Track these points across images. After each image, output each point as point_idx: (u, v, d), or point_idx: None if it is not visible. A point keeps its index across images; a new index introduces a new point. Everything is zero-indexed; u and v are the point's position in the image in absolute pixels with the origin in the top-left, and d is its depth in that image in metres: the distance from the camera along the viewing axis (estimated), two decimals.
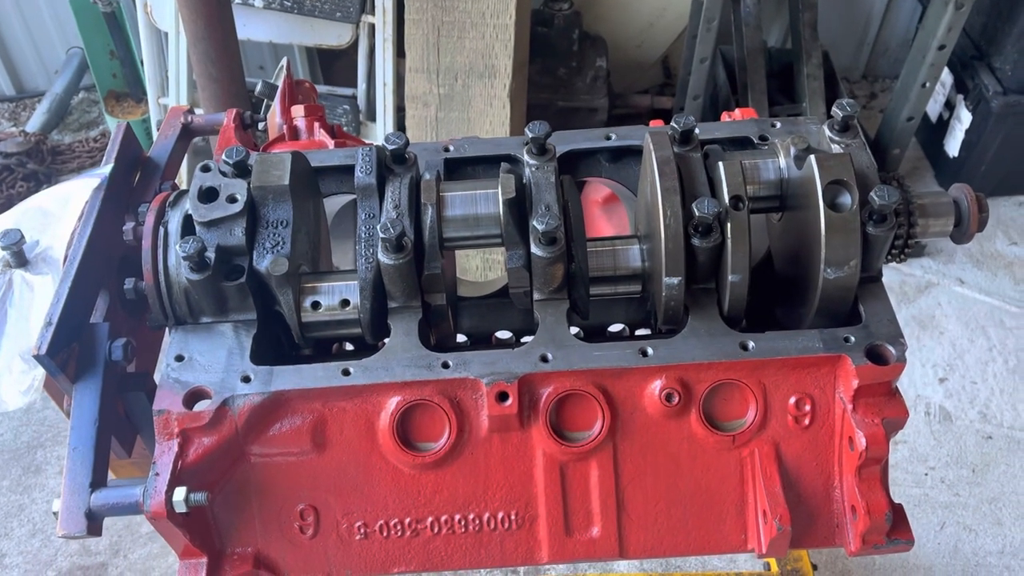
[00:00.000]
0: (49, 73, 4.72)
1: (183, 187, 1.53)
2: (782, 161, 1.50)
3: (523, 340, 1.69)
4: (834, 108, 1.48)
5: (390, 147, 1.48)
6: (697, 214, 1.33)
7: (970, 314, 3.83)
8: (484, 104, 3.46)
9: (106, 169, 1.55)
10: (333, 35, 3.77)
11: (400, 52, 3.65)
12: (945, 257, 4.08)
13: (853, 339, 1.36)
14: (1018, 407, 3.51)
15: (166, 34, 3.86)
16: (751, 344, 1.37)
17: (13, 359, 1.43)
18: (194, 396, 1.36)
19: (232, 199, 1.43)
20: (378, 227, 1.36)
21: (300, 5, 3.66)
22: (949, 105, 4.22)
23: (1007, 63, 3.90)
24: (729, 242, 1.35)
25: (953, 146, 4.21)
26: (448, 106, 3.50)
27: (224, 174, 1.48)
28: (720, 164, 1.39)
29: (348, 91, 4.04)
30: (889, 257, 1.47)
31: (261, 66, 4.52)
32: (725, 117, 1.94)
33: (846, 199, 1.34)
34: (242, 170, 1.48)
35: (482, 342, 1.76)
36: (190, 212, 1.42)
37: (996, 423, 3.47)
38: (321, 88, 4.17)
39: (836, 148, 1.48)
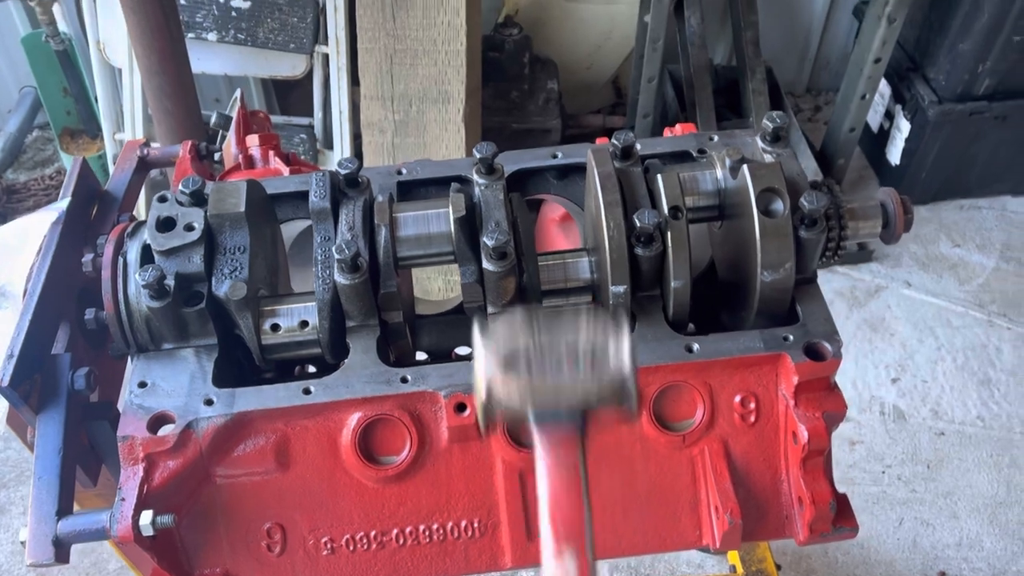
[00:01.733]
0: (2, 112, 4.70)
1: (141, 219, 1.56)
2: (719, 172, 1.58)
3: None
4: (764, 120, 1.56)
5: (343, 172, 1.53)
6: (638, 225, 1.40)
7: (919, 315, 3.96)
8: (439, 129, 3.53)
9: (63, 203, 1.58)
10: (287, 66, 3.82)
11: (355, 80, 3.71)
12: (892, 261, 4.21)
13: (791, 338, 1.43)
14: (967, 403, 3.63)
15: (120, 70, 3.88)
16: (695, 346, 1.43)
17: None
18: (158, 421, 1.38)
19: (189, 227, 1.47)
20: (333, 248, 1.40)
21: (254, 37, 3.71)
22: (889, 115, 4.38)
23: (940, 73, 4.06)
24: (670, 250, 1.42)
25: (895, 154, 4.36)
26: (404, 132, 3.56)
27: (181, 204, 1.52)
28: (659, 176, 1.46)
29: (304, 120, 4.08)
30: (823, 259, 1.55)
31: (217, 98, 4.55)
32: (667, 133, 2.03)
33: (778, 205, 1.42)
34: (198, 199, 1.51)
35: (442, 359, 1.80)
36: (148, 242, 1.46)
37: (948, 419, 3.58)
38: (277, 118, 4.22)
39: (768, 158, 1.57)
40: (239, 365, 1.55)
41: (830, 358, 1.41)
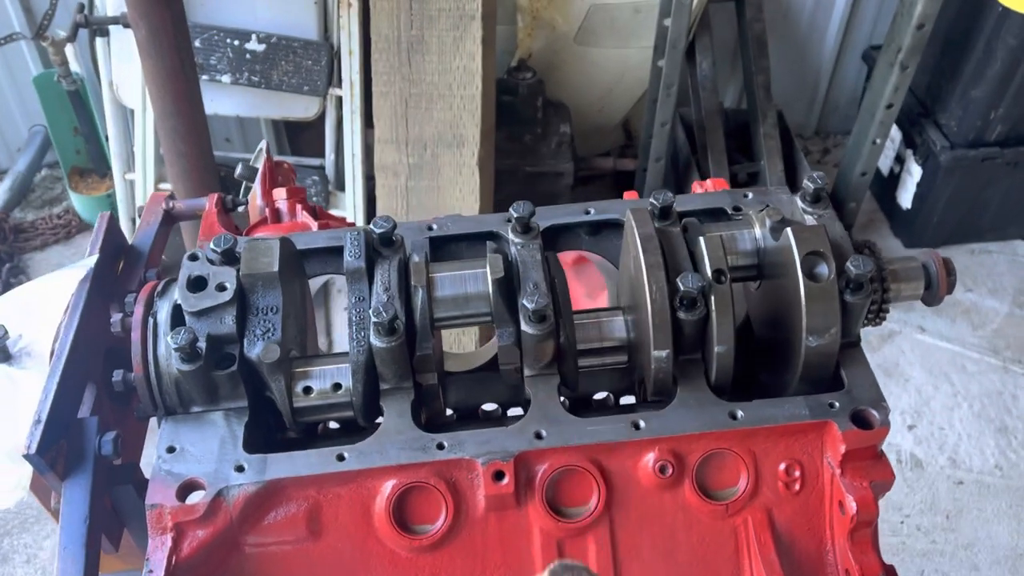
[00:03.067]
0: (11, 151, 4.69)
1: (171, 276, 1.53)
2: (758, 232, 1.55)
3: (509, 412, 1.72)
4: (805, 181, 1.54)
5: (377, 230, 1.51)
6: (682, 288, 1.37)
7: (933, 361, 3.93)
8: (454, 172, 3.52)
9: (90, 260, 1.55)
10: (300, 108, 3.82)
11: (368, 123, 3.71)
12: (905, 305, 4.19)
13: (838, 405, 1.40)
14: (985, 452, 3.59)
15: (132, 111, 3.87)
16: (740, 413, 1.40)
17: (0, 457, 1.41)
18: (187, 488, 1.34)
19: (221, 287, 1.44)
20: (370, 311, 1.37)
21: (267, 80, 3.71)
22: (900, 159, 4.39)
23: (952, 119, 4.08)
24: (714, 314, 1.39)
25: (906, 199, 4.36)
26: (418, 175, 3.55)
27: (212, 262, 1.49)
28: (701, 239, 1.43)
29: (316, 161, 4.08)
30: (865, 321, 1.53)
31: (228, 138, 4.55)
32: (696, 187, 2.01)
33: (823, 269, 1.39)
34: (230, 258, 1.49)
35: (469, 415, 1.77)
36: (179, 302, 1.43)
37: (966, 468, 3.53)
38: (289, 159, 4.21)
39: (809, 219, 1.55)
40: (266, 425, 1.51)
41: (878, 426, 1.38)
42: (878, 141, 4.02)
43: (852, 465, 1.38)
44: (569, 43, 4.05)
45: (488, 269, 1.44)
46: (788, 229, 1.41)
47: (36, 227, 4.39)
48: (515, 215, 1.51)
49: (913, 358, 3.95)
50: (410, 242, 1.61)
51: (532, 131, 3.97)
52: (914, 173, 4.25)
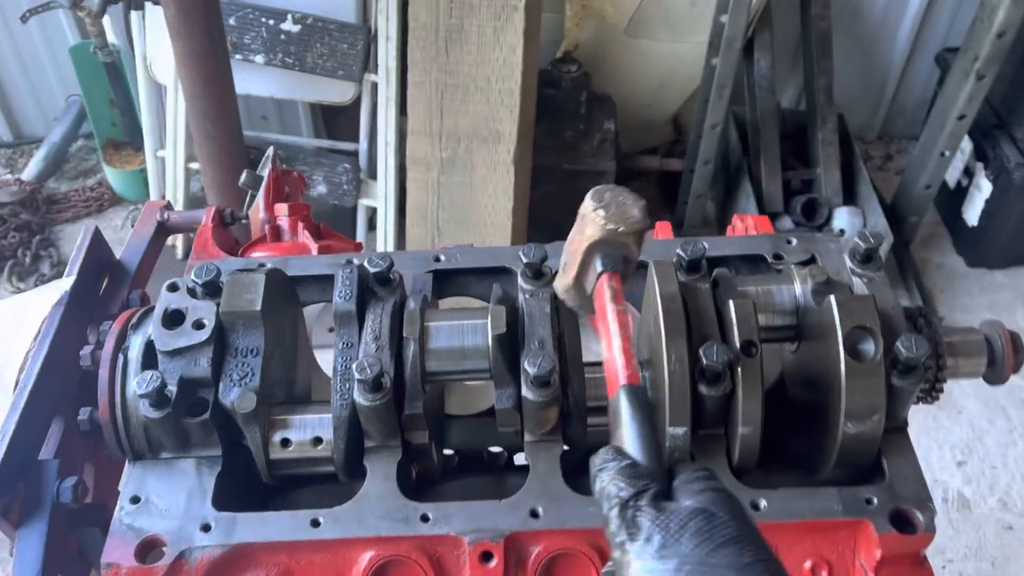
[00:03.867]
0: (48, 120, 4.66)
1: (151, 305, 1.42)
2: (798, 288, 1.38)
3: (515, 458, 1.58)
4: (856, 239, 1.36)
5: (373, 269, 1.37)
6: (705, 361, 1.21)
7: (989, 392, 3.68)
8: (487, 169, 3.36)
9: (68, 281, 1.44)
10: (335, 92, 3.69)
11: (403, 111, 3.57)
12: None
13: (876, 501, 1.23)
14: None
15: (165, 87, 3.79)
16: (763, 503, 1.24)
17: None
18: (147, 546, 1.24)
19: (199, 325, 1.32)
20: (354, 366, 1.24)
21: (301, 62, 3.58)
22: (968, 172, 4.10)
23: None
24: (740, 392, 1.23)
25: (972, 215, 4.09)
26: (451, 170, 3.40)
27: (193, 294, 1.37)
28: (731, 303, 1.26)
29: (350, 146, 3.95)
30: (914, 401, 1.35)
31: (264, 116, 4.45)
32: (736, 222, 1.83)
33: (869, 347, 1.22)
34: (213, 290, 1.37)
35: (472, 458, 1.64)
36: (153, 338, 1.31)
37: (1017, 512, 3.31)
38: (323, 142, 4.10)
39: (857, 282, 1.37)
40: (245, 468, 1.40)
41: (921, 531, 1.21)
42: (947, 153, 3.75)
43: (889, 571, 1.21)
44: (619, 35, 3.84)
45: (489, 323, 1.29)
46: (832, 297, 1.24)
47: (69, 199, 4.35)
48: (525, 260, 1.36)
49: (968, 388, 3.70)
50: (412, 276, 1.48)
51: (574, 127, 3.78)
52: (983, 188, 3.97)
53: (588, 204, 1.08)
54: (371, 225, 3.97)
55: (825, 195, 3.90)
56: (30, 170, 4.42)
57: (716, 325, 1.29)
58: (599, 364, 1.43)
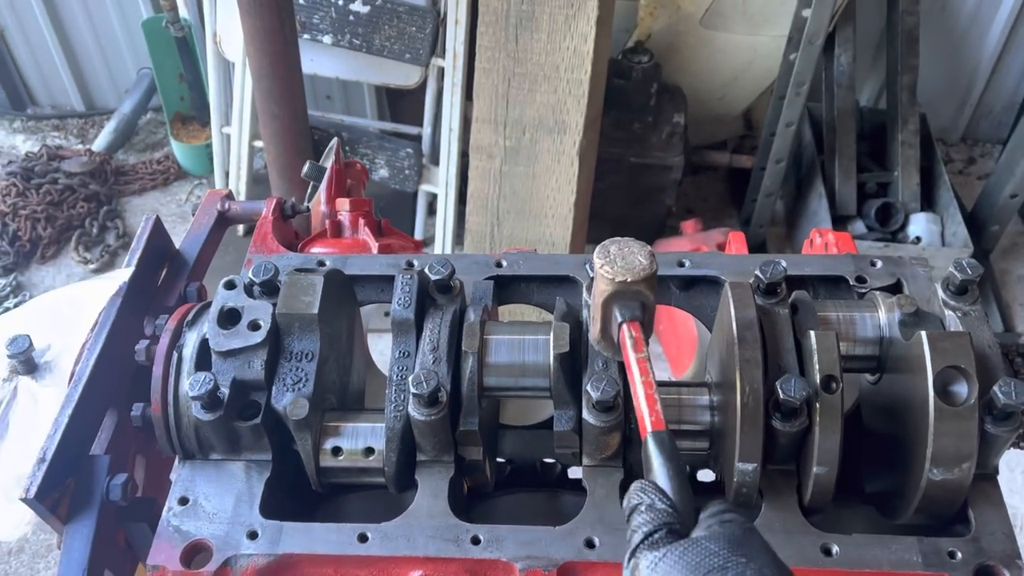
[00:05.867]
0: (119, 92, 4.72)
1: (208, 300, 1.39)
2: (883, 317, 1.29)
3: (568, 471, 1.53)
4: (952, 268, 1.26)
5: (434, 276, 1.32)
6: (781, 396, 1.13)
7: None
8: (551, 160, 3.29)
9: (126, 272, 1.42)
10: (401, 75, 3.65)
11: (469, 96, 3.51)
12: None
13: (960, 556, 1.14)
14: None
15: (233, 64, 3.79)
16: (835, 549, 1.16)
17: (8, 483, 1.31)
18: (193, 551, 1.21)
19: (254, 326, 1.28)
20: (410, 378, 1.19)
21: (369, 44, 3.55)
22: None
23: None
24: (817, 430, 1.15)
25: None
26: (514, 159, 3.34)
27: (250, 293, 1.34)
28: (812, 335, 1.18)
29: (414, 130, 3.91)
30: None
31: (328, 95, 4.43)
32: (815, 235, 1.74)
33: (962, 389, 1.13)
34: (270, 289, 1.33)
35: (525, 469, 1.59)
36: (208, 337, 1.29)
37: None
38: (386, 125, 4.07)
39: (950, 314, 1.27)
40: (294, 470, 1.37)
41: None
42: None
43: None
44: (694, 25, 3.72)
45: (552, 339, 1.23)
46: (923, 333, 1.15)
47: (136, 171, 4.41)
48: (591, 273, 1.29)
49: None
50: (472, 283, 1.42)
51: (642, 119, 3.68)
52: None
53: (596, 261, 1.13)
54: (431, 210, 3.94)
55: (902, 200, 3.74)
56: (100, 141, 4.48)
57: (795, 355, 1.21)
58: (664, 384, 1.38)
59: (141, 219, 4.23)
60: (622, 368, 1.25)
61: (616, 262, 1.13)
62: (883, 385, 1.33)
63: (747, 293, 1.24)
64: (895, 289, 1.41)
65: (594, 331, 1.21)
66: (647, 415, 1.04)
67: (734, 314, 1.20)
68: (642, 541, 0.90)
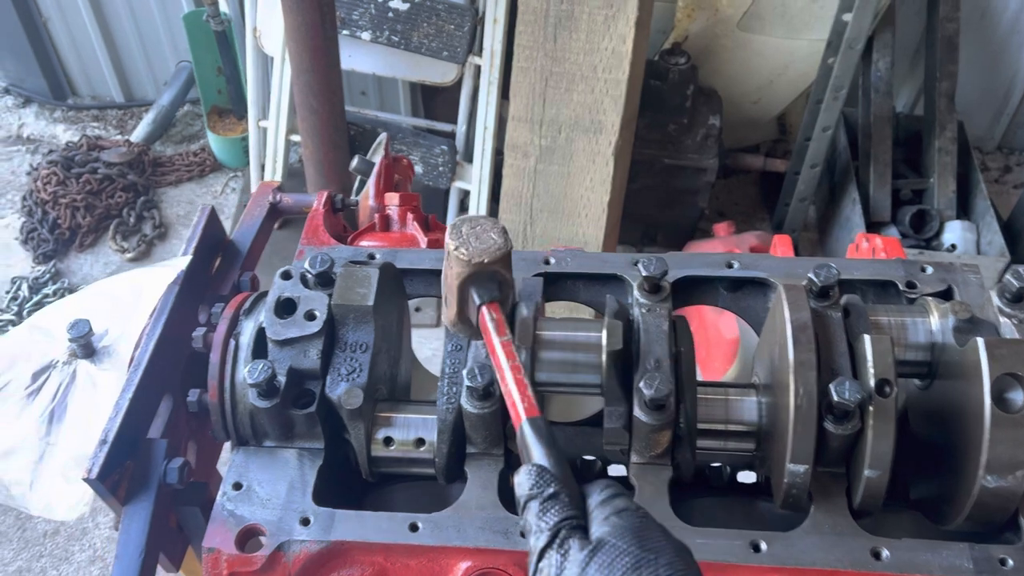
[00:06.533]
0: (158, 84, 4.78)
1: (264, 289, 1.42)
2: (934, 323, 1.29)
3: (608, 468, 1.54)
4: (1008, 276, 1.26)
5: None
6: (835, 398, 1.14)
7: None
8: (586, 160, 3.29)
9: (184, 260, 1.45)
10: (438, 73, 3.67)
11: (504, 95, 3.52)
12: None
13: (1011, 563, 1.14)
14: None
15: (272, 58, 3.83)
16: (885, 553, 1.17)
17: (67, 463, 1.34)
18: (247, 534, 1.24)
19: (310, 316, 1.31)
20: (464, 371, 1.21)
21: (407, 41, 3.57)
22: None
23: None
24: (870, 433, 1.15)
25: None
26: (549, 159, 3.35)
27: (305, 283, 1.36)
28: (867, 338, 1.18)
29: (448, 127, 3.94)
30: None
31: (363, 91, 4.47)
32: (861, 240, 1.74)
33: (1018, 396, 1.13)
34: (325, 280, 1.36)
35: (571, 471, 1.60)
36: (264, 326, 1.31)
37: None
38: (420, 122, 4.09)
39: (1005, 322, 1.27)
40: (344, 463, 1.39)
41: None
42: None
43: None
44: (731, 28, 3.71)
45: (604, 337, 1.24)
46: (980, 340, 1.15)
47: (173, 162, 4.46)
48: (644, 273, 1.31)
49: None
50: (521, 279, 1.43)
51: (677, 120, 3.68)
52: None
53: (448, 243, 1.09)
54: (462, 207, 3.96)
55: (937, 207, 3.71)
56: (138, 132, 4.54)
57: (848, 358, 1.21)
58: (712, 385, 1.38)
59: (176, 210, 4.26)
60: (676, 365, 1.26)
61: (470, 242, 1.08)
62: (934, 391, 1.33)
63: (801, 296, 1.24)
64: (945, 295, 1.41)
65: (449, 314, 1.17)
66: (519, 401, 1.02)
67: (788, 316, 1.21)
68: (548, 544, 0.89)
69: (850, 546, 1.18)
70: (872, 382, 1.16)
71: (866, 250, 1.67)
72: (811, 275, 1.27)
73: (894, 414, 1.16)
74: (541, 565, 0.90)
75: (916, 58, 4.15)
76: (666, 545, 0.88)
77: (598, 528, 0.90)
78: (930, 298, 1.34)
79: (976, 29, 4.12)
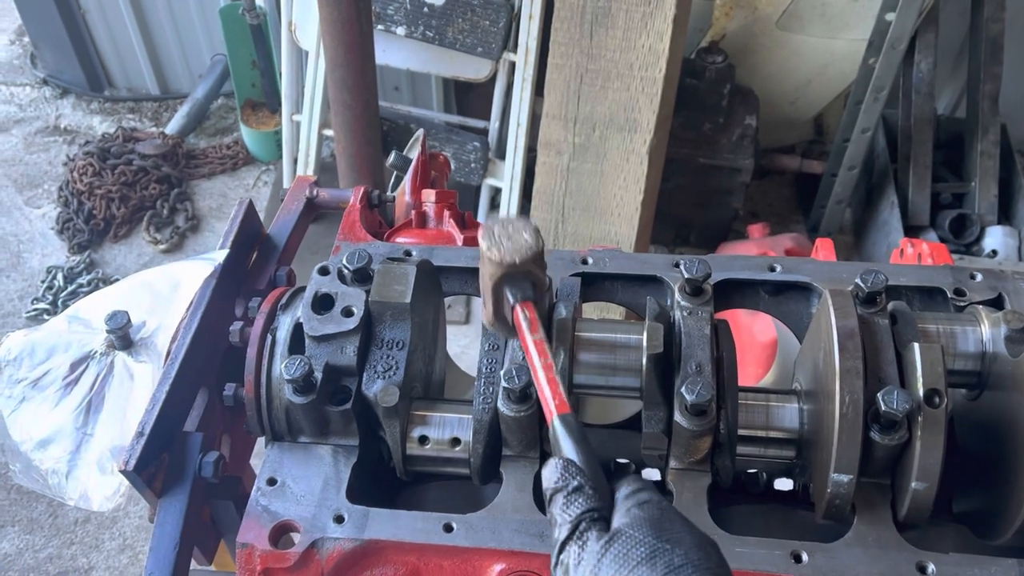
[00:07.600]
0: (193, 76, 4.81)
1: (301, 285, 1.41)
2: (985, 332, 1.26)
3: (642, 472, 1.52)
4: None
5: None
6: (883, 408, 1.11)
7: None
8: (620, 159, 3.27)
9: (221, 254, 1.45)
10: (472, 69, 3.66)
11: (539, 92, 3.50)
12: None
13: None
14: None
15: (307, 53, 3.84)
16: (931, 568, 1.14)
17: (104, 454, 1.35)
18: (281, 530, 1.24)
19: (348, 312, 1.30)
20: (501, 372, 1.19)
21: (442, 36, 3.56)
22: None
23: None
24: (918, 445, 1.12)
25: None
26: (582, 156, 3.33)
27: (343, 279, 1.35)
28: (916, 347, 1.15)
29: (480, 123, 3.92)
30: None
31: (396, 87, 4.46)
32: (905, 245, 1.70)
33: None
34: (363, 277, 1.35)
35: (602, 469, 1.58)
36: (301, 321, 1.30)
37: None
38: (453, 118, 4.08)
39: None
40: (378, 461, 1.38)
41: None
42: None
43: None
44: (770, 27, 3.66)
45: (645, 339, 1.22)
46: None
47: (206, 155, 4.49)
48: (686, 275, 1.28)
49: None
50: (558, 279, 1.42)
51: (713, 120, 3.64)
52: None
53: (482, 244, 1.11)
54: (493, 204, 3.95)
55: (978, 211, 3.63)
56: (173, 124, 4.58)
57: (895, 367, 1.18)
58: (753, 390, 1.36)
59: (209, 202, 4.29)
60: (719, 366, 1.24)
61: (502, 243, 1.09)
62: (983, 402, 1.29)
63: (848, 301, 1.21)
64: (996, 304, 1.37)
65: (487, 314, 1.18)
66: (551, 398, 1.03)
67: (835, 322, 1.18)
68: (568, 536, 0.89)
69: (895, 559, 1.15)
70: (921, 392, 1.13)
71: (911, 255, 1.63)
72: (858, 280, 1.24)
73: (944, 426, 1.13)
74: (561, 557, 0.90)
75: (959, 59, 4.07)
76: (684, 536, 0.86)
77: (619, 520, 0.90)
78: (980, 306, 1.31)
79: (1020, 31, 4.02)
